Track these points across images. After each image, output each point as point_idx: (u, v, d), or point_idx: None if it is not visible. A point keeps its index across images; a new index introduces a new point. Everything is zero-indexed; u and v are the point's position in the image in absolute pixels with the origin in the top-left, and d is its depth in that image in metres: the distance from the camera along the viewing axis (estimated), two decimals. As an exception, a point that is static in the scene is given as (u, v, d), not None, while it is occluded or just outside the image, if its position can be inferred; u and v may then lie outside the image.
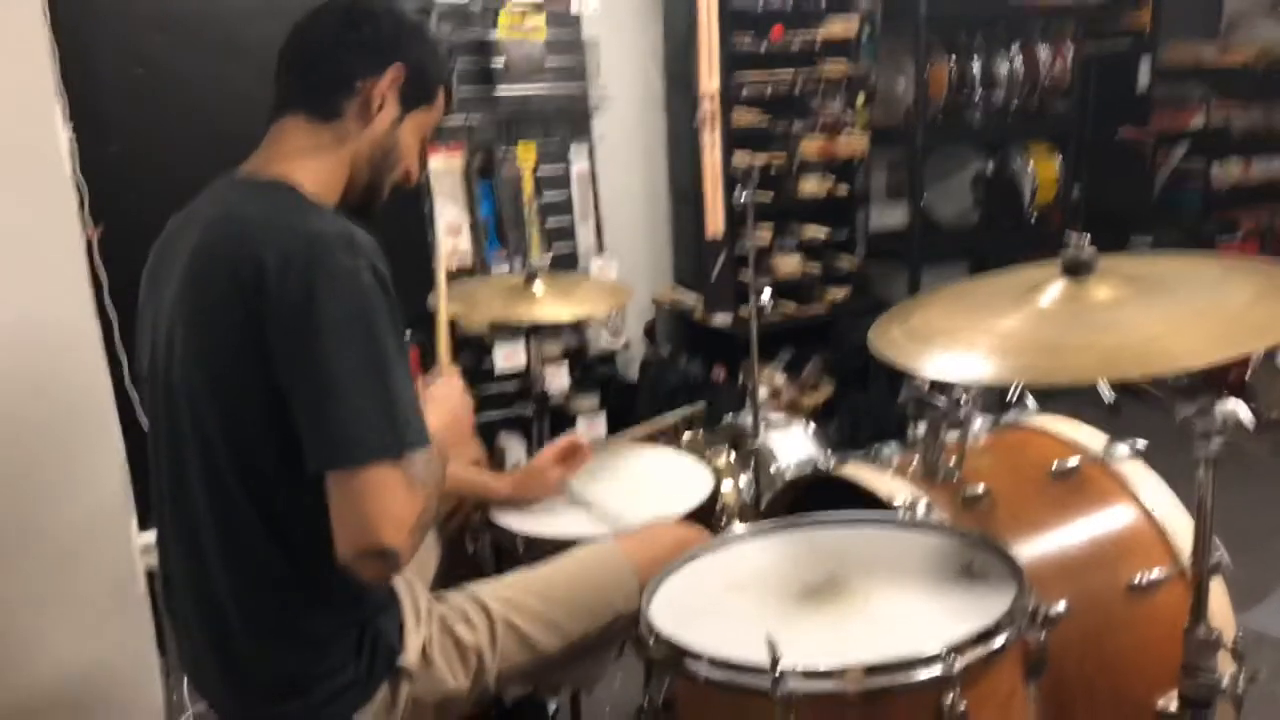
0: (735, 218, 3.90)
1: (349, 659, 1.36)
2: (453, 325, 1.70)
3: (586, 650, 1.58)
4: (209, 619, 1.38)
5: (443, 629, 1.47)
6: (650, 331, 4.34)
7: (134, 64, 3.13)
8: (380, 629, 1.39)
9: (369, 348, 1.24)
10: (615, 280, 3.67)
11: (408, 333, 1.35)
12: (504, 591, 1.55)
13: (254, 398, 1.27)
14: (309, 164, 1.40)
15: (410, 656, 1.41)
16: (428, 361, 1.64)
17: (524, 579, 1.59)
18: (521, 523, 1.79)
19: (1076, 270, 1.34)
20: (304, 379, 1.24)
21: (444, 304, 1.71)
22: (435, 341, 1.65)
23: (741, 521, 1.83)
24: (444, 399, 1.49)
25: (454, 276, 3.53)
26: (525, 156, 3.76)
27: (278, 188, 1.37)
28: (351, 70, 1.42)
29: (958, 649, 1.17)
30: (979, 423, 1.84)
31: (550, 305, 2.22)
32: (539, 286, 2.23)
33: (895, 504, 1.59)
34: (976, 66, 4.39)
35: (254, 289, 1.25)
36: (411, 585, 1.48)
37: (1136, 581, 1.57)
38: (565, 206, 3.85)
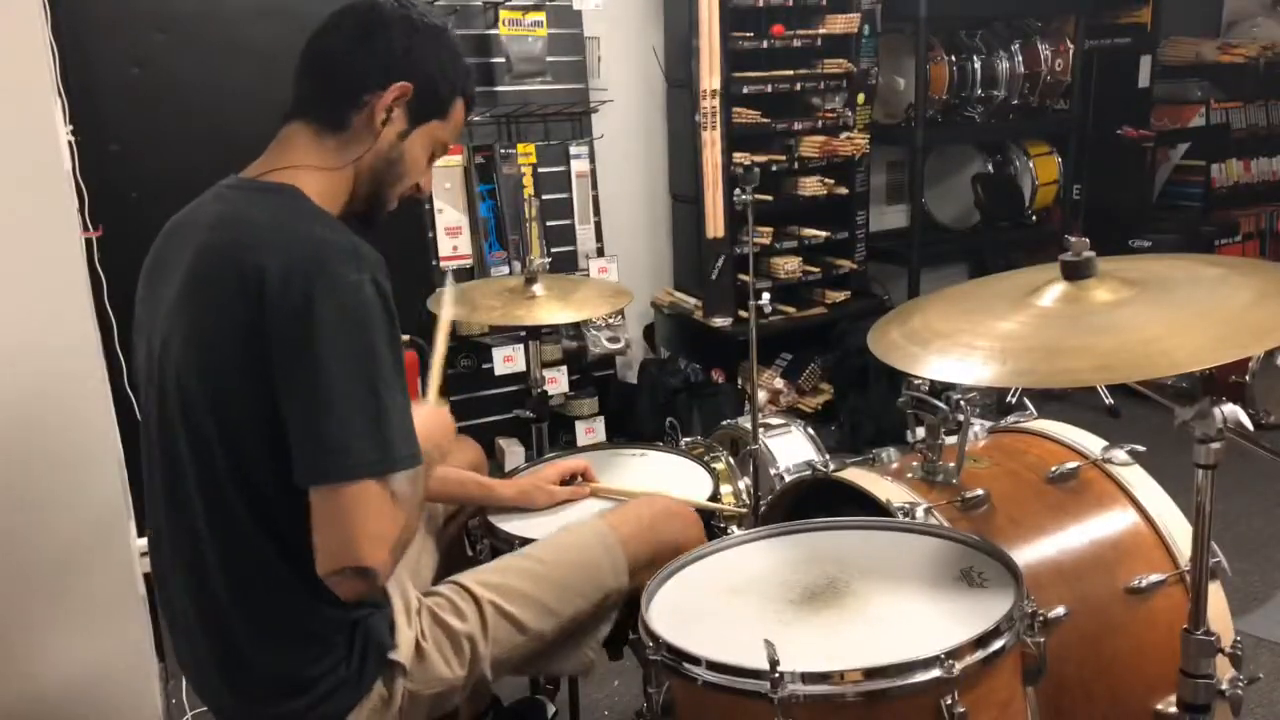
0: (735, 219, 3.90)
1: (341, 658, 1.36)
2: (448, 357, 1.70)
3: (578, 630, 1.58)
4: (208, 619, 1.38)
5: (433, 621, 1.48)
6: (650, 334, 4.34)
7: (134, 64, 3.14)
8: (371, 627, 1.39)
9: (364, 362, 1.24)
10: (615, 282, 3.67)
11: (405, 338, 1.35)
12: (491, 578, 1.55)
13: (250, 402, 1.27)
14: (313, 172, 1.40)
15: (403, 652, 1.41)
16: (426, 366, 1.64)
17: (510, 564, 1.60)
18: (520, 526, 1.79)
19: (1076, 273, 1.34)
20: (297, 388, 1.23)
21: (443, 338, 1.70)
22: (430, 367, 1.64)
23: (740, 526, 1.83)
24: (426, 421, 1.49)
25: (454, 277, 3.54)
26: (525, 157, 3.76)
27: (283, 192, 1.37)
28: (360, 82, 1.41)
29: (956, 652, 1.17)
30: (978, 426, 1.85)
31: (550, 307, 2.21)
32: (538, 288, 2.23)
33: (894, 508, 1.59)
34: (977, 65, 4.40)
35: (255, 294, 1.24)
36: (401, 583, 1.48)
37: (1135, 585, 1.58)
38: (565, 207, 3.85)
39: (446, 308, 1.78)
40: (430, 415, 1.49)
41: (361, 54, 1.41)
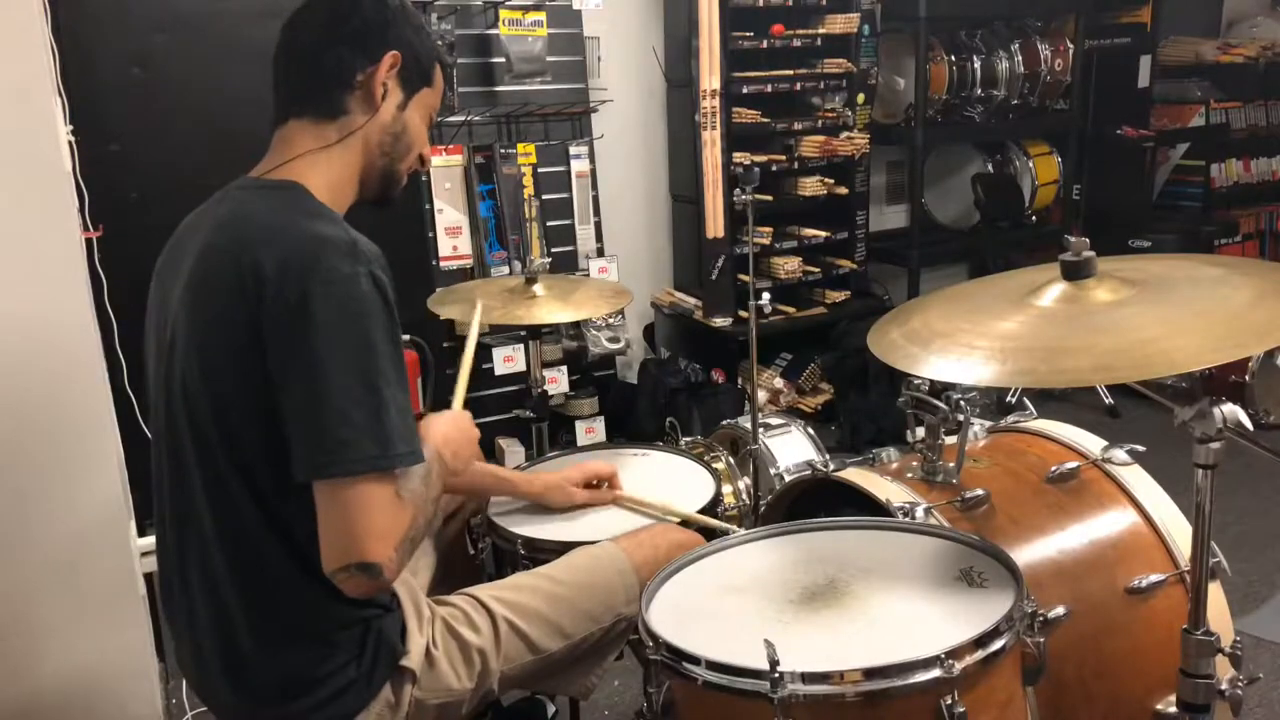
0: (735, 219, 3.90)
1: (351, 659, 1.36)
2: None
3: (589, 652, 1.58)
4: (214, 619, 1.37)
5: (446, 630, 1.47)
6: (650, 334, 4.34)
7: (134, 64, 3.14)
8: (382, 630, 1.38)
9: (362, 356, 1.23)
10: (615, 282, 3.67)
11: (405, 338, 1.35)
12: (507, 594, 1.55)
13: (251, 400, 1.27)
14: (319, 165, 1.40)
15: (413, 657, 1.41)
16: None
17: (526, 581, 1.59)
18: (521, 525, 1.78)
19: (1076, 273, 1.34)
20: (295, 384, 1.23)
21: (470, 353, 1.74)
22: (456, 379, 1.68)
23: (740, 525, 1.82)
24: (450, 428, 1.49)
25: (454, 277, 3.55)
26: (525, 157, 3.76)
27: (287, 189, 1.37)
28: (349, 64, 1.41)
29: (956, 652, 1.17)
30: (978, 426, 1.85)
31: (550, 307, 2.21)
32: (539, 288, 2.23)
33: (894, 508, 1.59)
34: (976, 65, 4.40)
35: (253, 291, 1.24)
36: (412, 588, 1.48)
37: (1135, 585, 1.58)
38: (565, 207, 3.86)
39: (475, 323, 1.78)
40: (454, 421, 1.51)
41: (343, 36, 1.41)
